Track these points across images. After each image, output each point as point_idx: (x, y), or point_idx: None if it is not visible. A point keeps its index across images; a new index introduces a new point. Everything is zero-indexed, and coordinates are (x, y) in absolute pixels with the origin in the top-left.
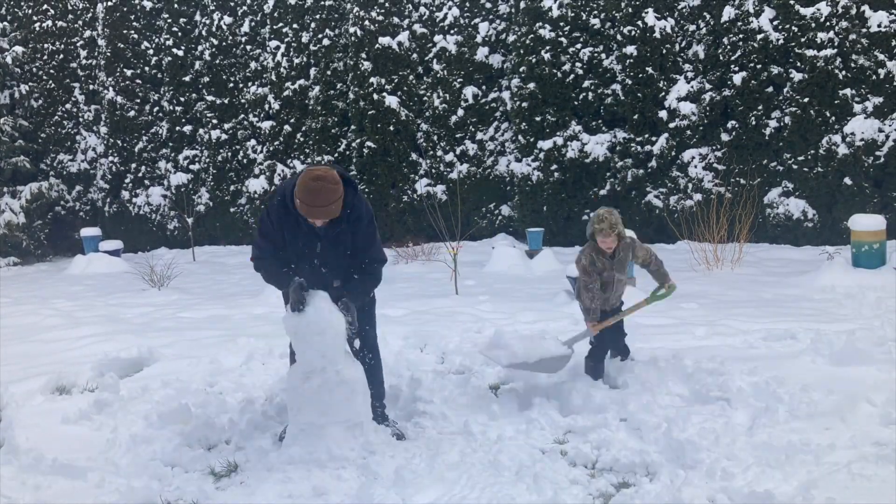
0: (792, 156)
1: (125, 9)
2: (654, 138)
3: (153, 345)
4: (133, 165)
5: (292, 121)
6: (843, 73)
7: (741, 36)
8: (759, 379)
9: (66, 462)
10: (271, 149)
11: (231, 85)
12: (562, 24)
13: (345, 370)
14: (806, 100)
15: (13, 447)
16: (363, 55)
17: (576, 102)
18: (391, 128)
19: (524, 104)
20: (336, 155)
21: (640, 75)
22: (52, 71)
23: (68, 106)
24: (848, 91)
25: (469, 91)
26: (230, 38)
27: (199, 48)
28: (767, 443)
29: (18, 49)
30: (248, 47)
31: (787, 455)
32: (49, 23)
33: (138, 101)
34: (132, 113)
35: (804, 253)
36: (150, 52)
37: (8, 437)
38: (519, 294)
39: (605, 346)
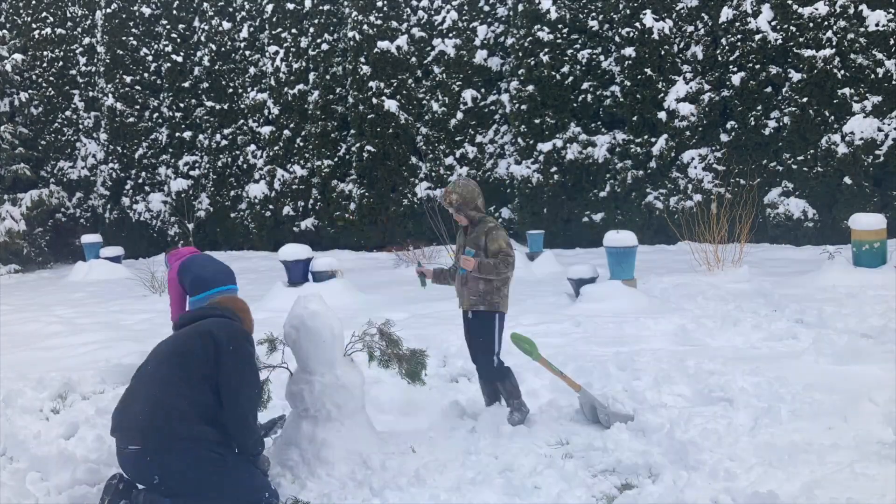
0: (791, 156)
1: (124, 16)
2: (653, 139)
3: None
4: (133, 172)
5: (292, 125)
6: (842, 72)
7: (739, 36)
8: (762, 379)
9: (68, 469)
10: (271, 154)
11: (230, 90)
12: (560, 26)
13: (344, 375)
14: (805, 99)
15: (14, 455)
16: (362, 59)
17: (575, 104)
18: (391, 131)
19: (523, 107)
20: (336, 159)
21: (639, 76)
22: (51, 78)
23: (68, 113)
24: (847, 90)
25: (468, 94)
26: (229, 43)
27: (199, 54)
28: (770, 443)
29: (18, 57)
30: (248, 52)
31: (789, 455)
32: (48, 30)
33: (138, 107)
34: (132, 119)
35: (805, 253)
36: (150, 58)
37: (9, 446)
38: (520, 296)
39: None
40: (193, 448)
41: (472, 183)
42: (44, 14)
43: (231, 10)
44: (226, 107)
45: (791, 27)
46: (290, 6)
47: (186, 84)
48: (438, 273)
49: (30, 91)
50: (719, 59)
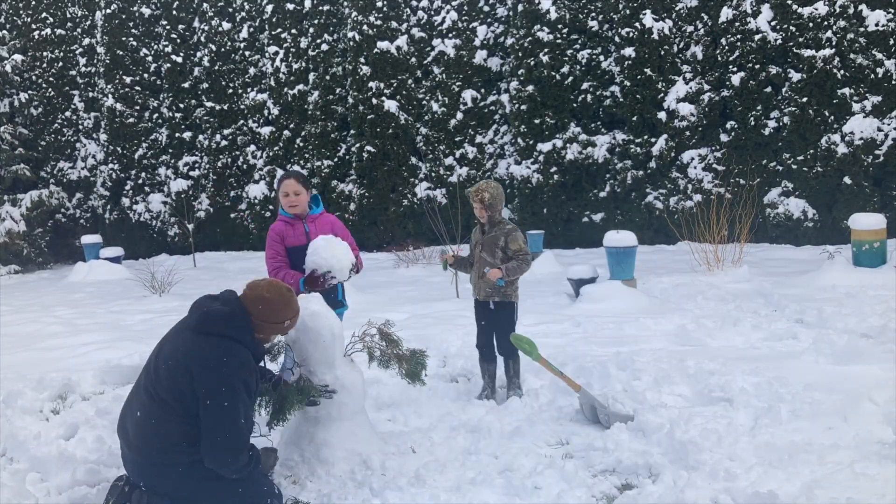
0: (791, 155)
1: (124, 16)
2: (653, 139)
3: None
4: (133, 172)
5: (292, 126)
6: (842, 72)
7: (739, 36)
8: (762, 379)
9: (68, 470)
10: (271, 154)
11: (230, 91)
12: (560, 26)
13: (344, 375)
14: (804, 99)
15: (14, 456)
16: (362, 60)
17: (575, 104)
18: (391, 132)
19: (523, 107)
20: (336, 159)
21: (639, 77)
22: (51, 79)
23: (68, 114)
24: (846, 90)
25: (468, 94)
26: (229, 43)
27: (198, 54)
28: (770, 443)
29: (18, 57)
30: (247, 53)
31: (789, 455)
32: (48, 31)
33: (138, 107)
34: (132, 120)
35: (805, 252)
36: (149, 58)
37: (9, 446)
38: (519, 296)
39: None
40: (189, 472)
41: (501, 188)
42: (44, 14)
43: (231, 10)
44: (226, 107)
45: (791, 27)
46: (290, 6)
47: (186, 84)
48: (460, 260)
49: (30, 92)
50: (719, 59)
